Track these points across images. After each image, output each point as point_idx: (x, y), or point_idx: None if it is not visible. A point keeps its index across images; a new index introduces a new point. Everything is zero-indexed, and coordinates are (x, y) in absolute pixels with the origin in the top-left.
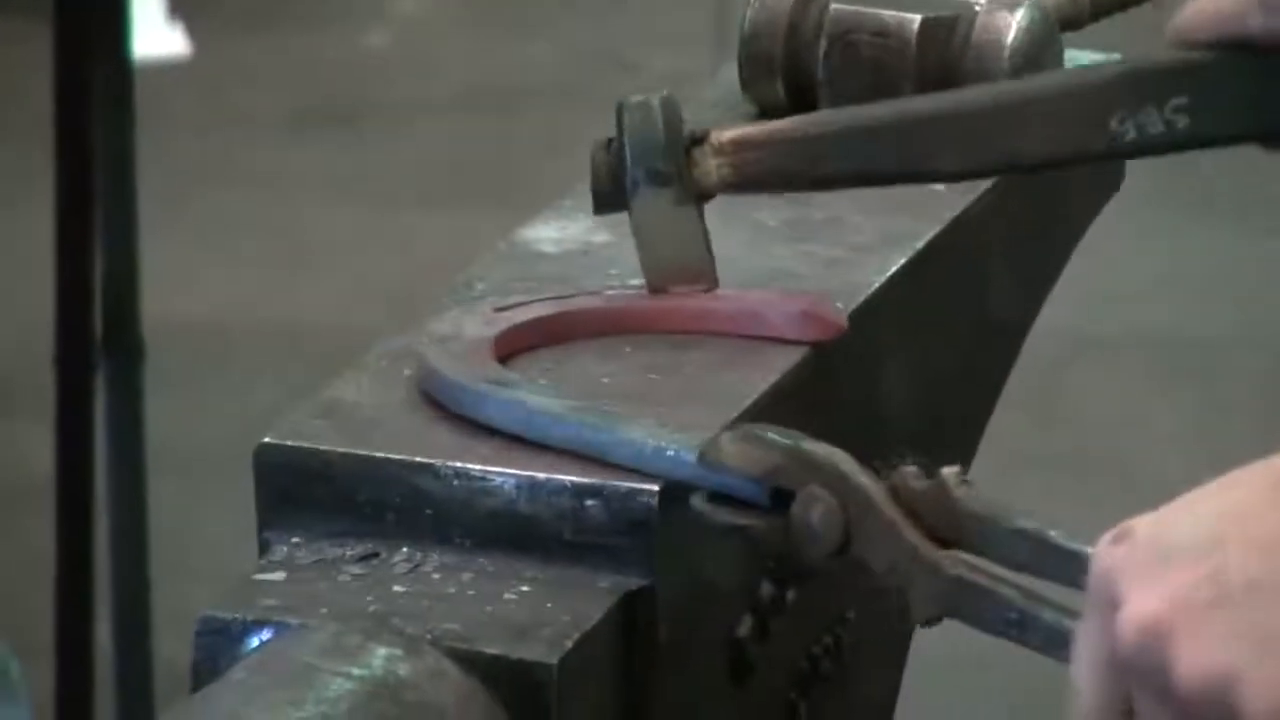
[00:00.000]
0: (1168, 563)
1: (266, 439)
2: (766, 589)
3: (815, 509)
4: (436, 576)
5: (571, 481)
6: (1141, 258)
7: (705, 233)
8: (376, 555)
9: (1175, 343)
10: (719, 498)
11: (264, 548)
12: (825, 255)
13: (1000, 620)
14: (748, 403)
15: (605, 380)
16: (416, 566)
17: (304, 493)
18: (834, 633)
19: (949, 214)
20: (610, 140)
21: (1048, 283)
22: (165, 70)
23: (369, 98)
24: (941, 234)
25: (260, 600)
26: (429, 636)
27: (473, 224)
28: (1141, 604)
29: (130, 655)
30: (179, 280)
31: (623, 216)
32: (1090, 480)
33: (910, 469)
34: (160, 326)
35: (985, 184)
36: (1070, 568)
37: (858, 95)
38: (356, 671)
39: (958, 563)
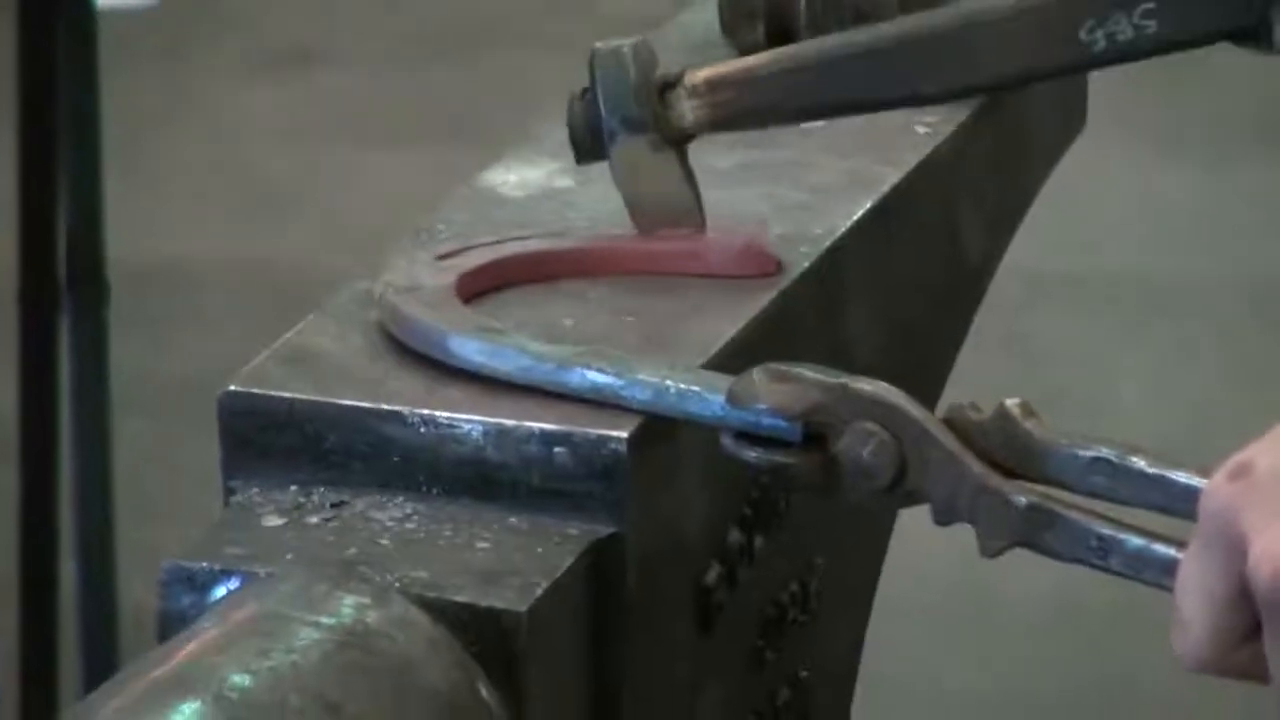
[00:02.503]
0: None
1: (231, 387)
2: (735, 537)
3: (867, 444)
4: (404, 525)
5: (540, 428)
6: (1109, 196)
7: (689, 174)
8: (344, 503)
9: (1142, 281)
10: (746, 437)
11: (229, 495)
12: (791, 198)
13: (1080, 547)
14: (715, 349)
15: (569, 323)
16: (384, 514)
17: (269, 440)
18: (802, 580)
19: (914, 156)
20: (585, 90)
21: (1013, 223)
22: (129, 15)
23: (331, 40)
24: (907, 176)
25: (227, 549)
26: (397, 585)
27: (435, 163)
28: (1276, 542)
29: (95, 597)
30: (143, 222)
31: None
32: (1057, 419)
33: (964, 404)
34: (124, 268)
35: (950, 126)
36: (1160, 494)
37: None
38: (325, 620)
39: (1029, 490)
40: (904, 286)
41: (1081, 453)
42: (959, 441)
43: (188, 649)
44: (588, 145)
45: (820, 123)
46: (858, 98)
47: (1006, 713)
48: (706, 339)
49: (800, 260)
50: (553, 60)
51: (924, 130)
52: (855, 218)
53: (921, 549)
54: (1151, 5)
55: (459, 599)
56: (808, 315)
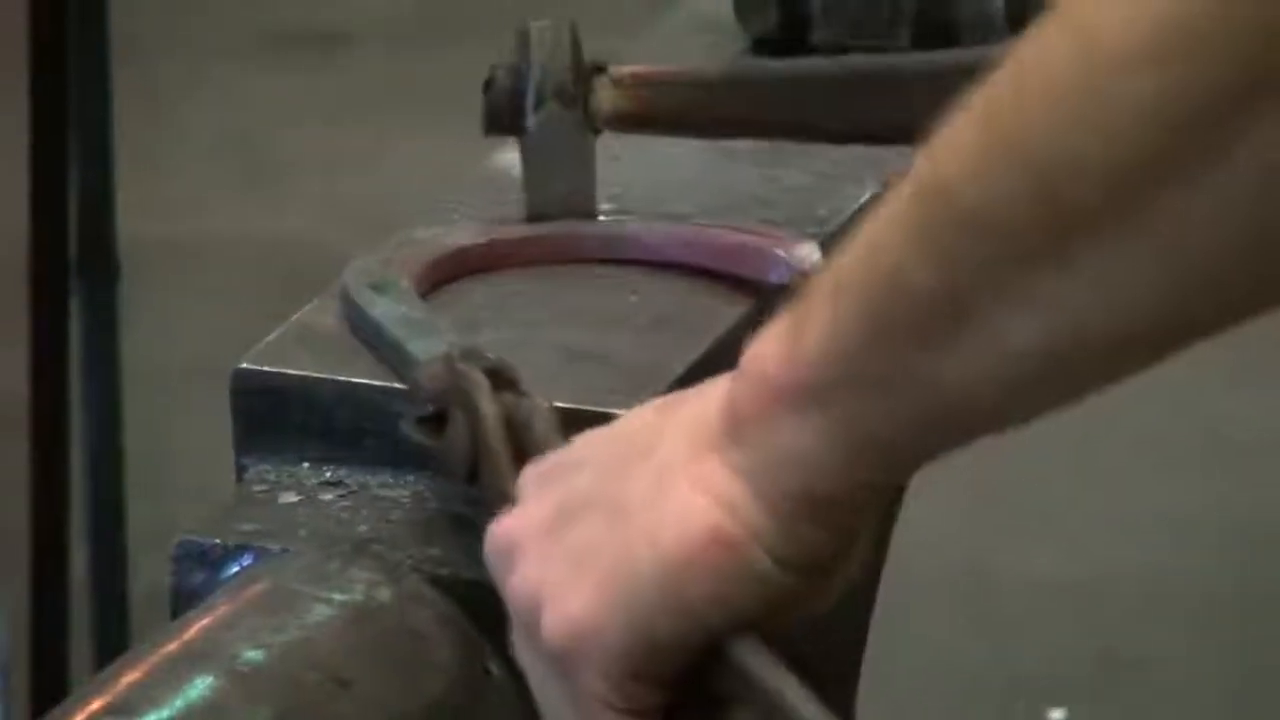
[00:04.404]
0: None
1: (243, 364)
2: None
3: (453, 429)
4: (416, 502)
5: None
6: None
7: (592, 163)
8: (356, 481)
9: None
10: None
11: (241, 473)
12: (795, 181)
13: None
14: (722, 330)
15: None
16: (395, 492)
17: (282, 418)
18: None
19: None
20: (512, 64)
21: None
22: None
23: (338, 19)
24: (913, 159)
25: (239, 525)
26: (409, 562)
27: (454, 145)
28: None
29: (106, 576)
30: (149, 200)
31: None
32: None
33: (521, 396)
34: (130, 246)
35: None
36: None
37: (853, 26)
38: (338, 597)
39: None
40: None
41: None
42: (508, 443)
43: (200, 624)
44: (505, 118)
45: None
46: (767, 122)
47: (1012, 691)
48: (713, 323)
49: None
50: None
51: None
52: (861, 200)
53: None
54: None
55: (468, 576)
56: None
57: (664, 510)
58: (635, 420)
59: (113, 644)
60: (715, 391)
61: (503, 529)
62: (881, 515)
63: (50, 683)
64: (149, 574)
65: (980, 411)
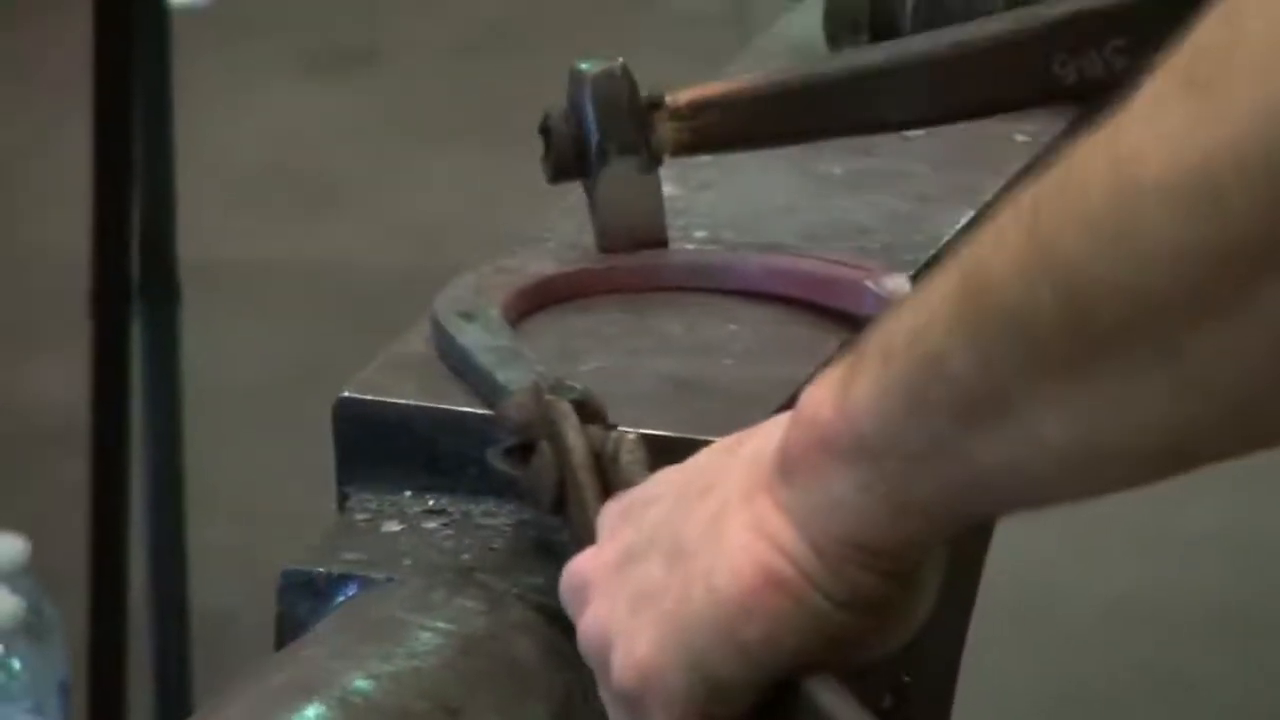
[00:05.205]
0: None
1: (345, 393)
2: None
3: (539, 461)
4: (518, 531)
5: (651, 435)
6: None
7: (661, 195)
8: (458, 509)
9: None
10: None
11: (343, 501)
12: (895, 207)
13: None
14: (826, 353)
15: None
16: (498, 520)
17: (384, 447)
18: None
19: (1015, 165)
20: (567, 110)
21: None
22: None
23: (383, 39)
24: (1008, 186)
25: (343, 554)
26: (513, 591)
27: (494, 160)
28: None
29: (165, 597)
30: (203, 222)
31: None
32: None
33: (608, 429)
34: (185, 267)
35: (1049, 135)
36: None
37: None
38: (444, 625)
39: None
40: None
41: None
42: (595, 477)
43: (309, 654)
44: (570, 167)
45: (921, 132)
46: (831, 124)
47: (1062, 710)
48: (820, 346)
49: (906, 268)
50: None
51: (1023, 139)
52: (959, 226)
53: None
54: (1121, 43)
55: None
56: None
57: (718, 550)
58: (703, 457)
59: (172, 665)
60: (776, 430)
61: (576, 567)
62: (960, 555)
63: (108, 702)
64: (203, 590)
65: (1015, 489)
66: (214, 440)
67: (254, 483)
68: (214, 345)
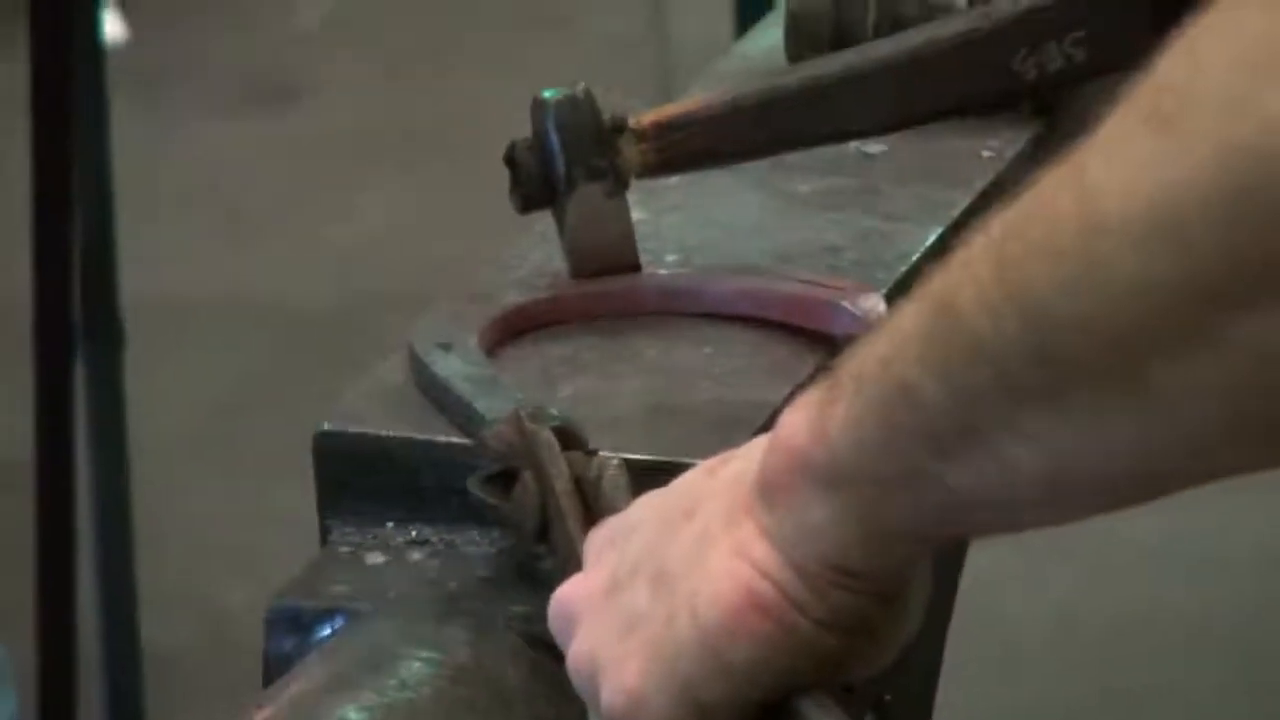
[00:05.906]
0: None
1: (325, 426)
2: None
3: (521, 489)
4: (502, 559)
5: (632, 458)
6: None
7: (630, 218)
8: (442, 539)
9: None
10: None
11: (326, 534)
12: (863, 225)
13: None
14: (804, 374)
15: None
16: (481, 549)
17: (366, 479)
18: None
19: (982, 181)
20: (531, 139)
21: None
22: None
23: (303, 73)
24: (977, 200)
25: (328, 588)
26: (502, 619)
27: (416, 190)
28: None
29: (115, 638)
30: (133, 258)
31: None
32: None
33: (590, 455)
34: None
35: (1013, 149)
36: None
37: None
38: (434, 655)
39: None
40: None
41: None
42: (578, 503)
43: (300, 689)
44: (536, 197)
45: (883, 148)
46: (798, 135)
47: None
48: (796, 368)
49: (878, 286)
50: (524, 78)
51: (989, 154)
52: (928, 242)
53: None
54: (1080, 34)
55: None
56: None
57: (702, 574)
58: (686, 481)
59: (124, 705)
60: (757, 452)
61: (563, 595)
62: (936, 574)
63: None
64: (151, 629)
65: (989, 515)
66: (147, 480)
67: (194, 522)
68: (151, 382)
